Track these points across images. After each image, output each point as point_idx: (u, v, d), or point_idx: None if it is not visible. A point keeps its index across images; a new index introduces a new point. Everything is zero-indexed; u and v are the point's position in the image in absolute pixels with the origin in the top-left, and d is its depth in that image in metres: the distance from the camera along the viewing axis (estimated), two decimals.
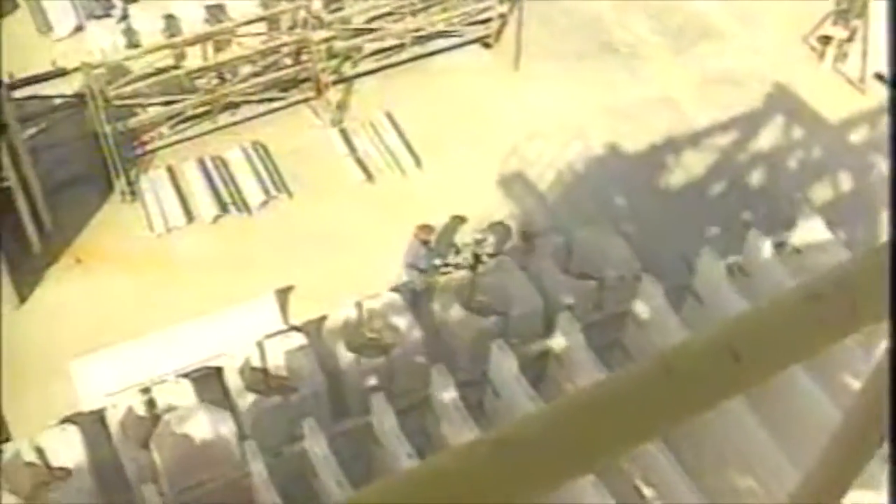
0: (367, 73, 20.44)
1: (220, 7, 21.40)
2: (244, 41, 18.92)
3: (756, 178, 19.30)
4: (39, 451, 14.20)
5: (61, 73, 17.95)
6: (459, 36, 21.05)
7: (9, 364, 16.45)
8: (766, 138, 19.75)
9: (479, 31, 21.16)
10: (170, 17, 21.09)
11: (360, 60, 20.31)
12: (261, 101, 19.55)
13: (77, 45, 21.02)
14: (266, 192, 18.24)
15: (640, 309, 15.34)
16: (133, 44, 20.39)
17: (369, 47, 20.29)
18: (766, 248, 15.04)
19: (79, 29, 21.46)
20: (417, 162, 19.10)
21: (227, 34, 18.46)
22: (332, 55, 19.61)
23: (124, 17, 21.29)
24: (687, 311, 15.49)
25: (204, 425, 13.92)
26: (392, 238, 17.76)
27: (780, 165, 19.36)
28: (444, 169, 19.07)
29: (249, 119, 19.62)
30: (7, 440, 15.14)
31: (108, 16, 20.78)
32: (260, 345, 15.51)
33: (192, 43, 18.22)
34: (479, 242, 16.36)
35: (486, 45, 21.23)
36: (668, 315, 15.04)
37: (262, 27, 19.20)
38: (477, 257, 16.74)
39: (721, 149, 19.69)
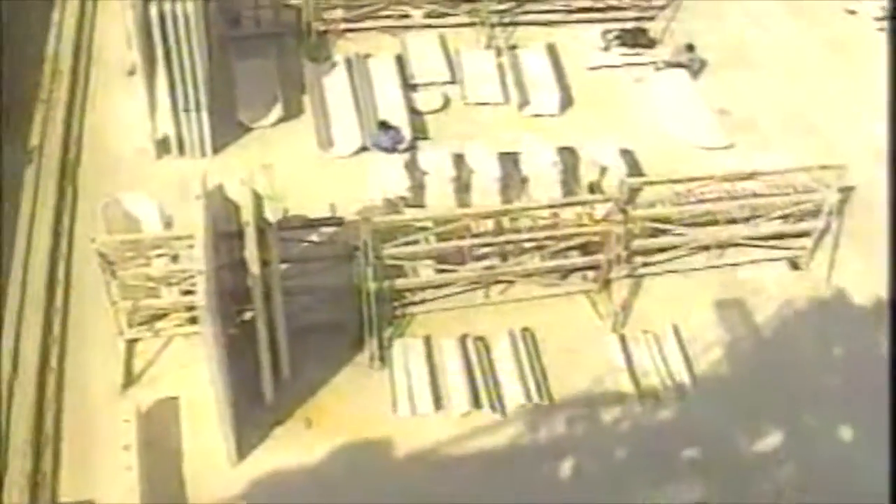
0: (659, 274, 18.05)
1: (514, 157, 19.57)
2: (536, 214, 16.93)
3: None
4: None
5: (338, 222, 16.31)
6: (768, 249, 18.51)
7: None
8: None
9: (791, 248, 18.58)
10: (459, 158, 19.32)
11: (654, 259, 17.96)
12: (538, 284, 17.41)
13: (355, 170, 19.48)
14: (527, 394, 16.12)
15: None
16: (416, 182, 18.66)
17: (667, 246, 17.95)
18: None
19: (362, 150, 19.90)
20: (696, 386, 16.58)
21: (521, 211, 16.41)
22: (626, 249, 17.34)
23: (411, 148, 19.62)
24: None
25: None
26: (660, 480, 15.37)
27: None
28: (727, 401, 16.55)
29: (522, 300, 17.48)
30: None
31: (394, 150, 19.08)
32: None
33: (483, 217, 16.25)
34: None
35: (795, 266, 18.63)
36: None
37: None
38: None
39: None
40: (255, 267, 14.76)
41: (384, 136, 19.06)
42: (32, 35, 22.80)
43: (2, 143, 19.93)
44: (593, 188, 18.80)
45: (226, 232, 15.34)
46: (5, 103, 20.85)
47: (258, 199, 15.03)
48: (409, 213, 17.39)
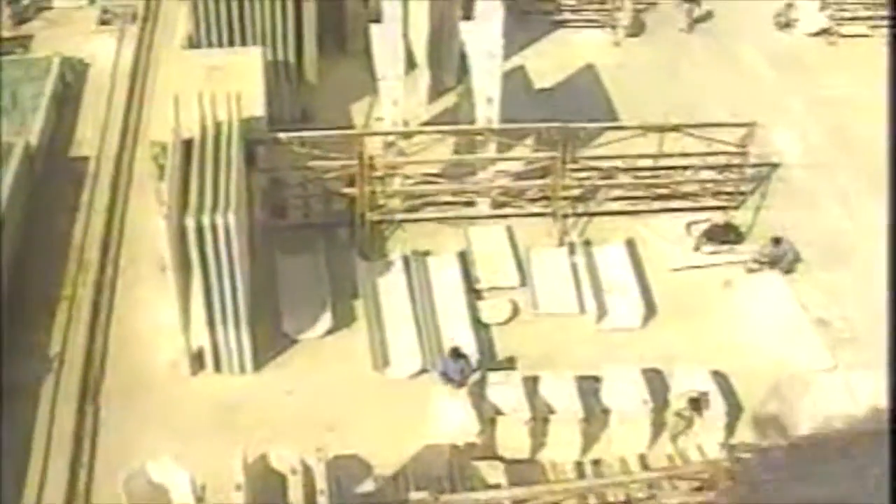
0: None
1: (594, 386, 17.16)
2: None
3: None
4: None
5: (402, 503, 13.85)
6: None
7: None
8: None
9: None
10: (532, 382, 16.92)
11: None
12: None
13: (415, 396, 17.10)
14: None
15: None
16: (485, 423, 16.22)
17: None
18: None
19: (421, 372, 17.55)
20: None
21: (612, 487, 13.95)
22: None
23: (479, 373, 17.17)
24: None
25: None
26: None
27: None
28: None
29: None
30: None
31: (460, 383, 16.65)
32: None
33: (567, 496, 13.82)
34: None
35: None
36: None
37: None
38: None
39: None
40: None
41: (453, 365, 16.64)
42: (59, 219, 20.78)
43: (18, 349, 17.78)
44: (685, 420, 16.33)
45: None
46: (26, 299, 18.80)
47: (309, 478, 12.60)
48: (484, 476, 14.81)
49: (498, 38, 19.30)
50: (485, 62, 19.50)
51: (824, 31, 28.59)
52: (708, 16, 28.67)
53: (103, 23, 27.45)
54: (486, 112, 19.67)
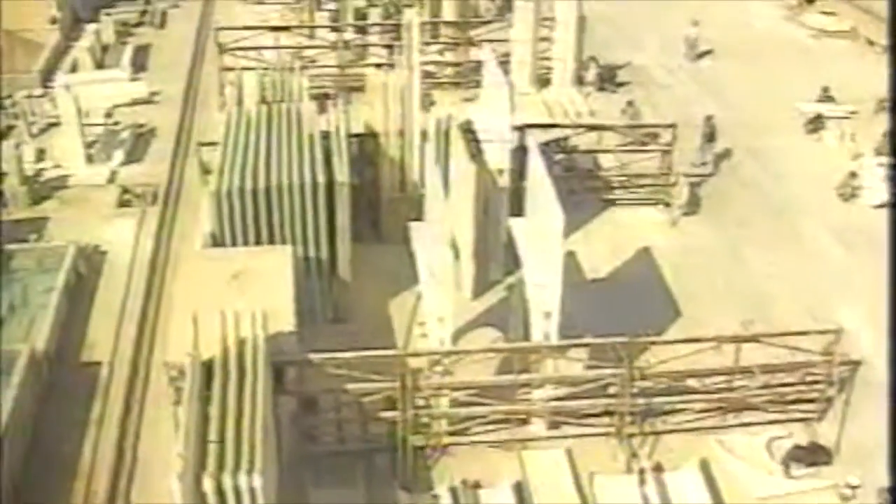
0: None
1: None
2: None
3: None
4: None
5: None
6: None
7: None
8: None
9: None
10: None
11: None
12: None
13: None
14: None
15: None
16: None
17: None
18: None
19: None
20: None
21: None
22: None
23: None
24: None
25: None
26: None
27: None
28: None
29: None
30: None
31: None
32: None
33: None
34: None
35: None
36: None
37: None
38: None
39: None
40: None
41: None
42: (65, 438, 18.67)
43: None
44: None
45: None
46: None
47: None
48: None
49: (558, 248, 17.19)
50: (542, 273, 17.40)
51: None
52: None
53: (122, 204, 25.79)
54: (544, 327, 17.52)
